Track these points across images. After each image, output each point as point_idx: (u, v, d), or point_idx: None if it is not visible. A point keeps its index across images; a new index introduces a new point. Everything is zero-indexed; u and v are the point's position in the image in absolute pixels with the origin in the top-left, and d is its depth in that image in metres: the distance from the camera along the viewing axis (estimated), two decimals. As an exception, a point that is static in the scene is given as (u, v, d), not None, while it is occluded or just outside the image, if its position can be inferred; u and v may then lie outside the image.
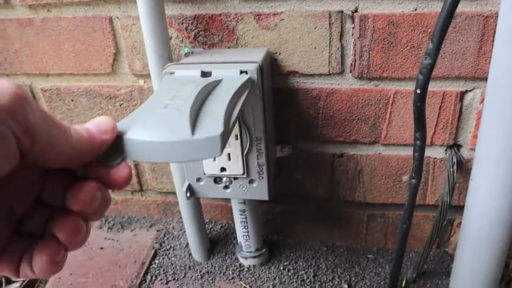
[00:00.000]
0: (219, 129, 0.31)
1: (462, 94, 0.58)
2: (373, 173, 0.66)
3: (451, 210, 0.67)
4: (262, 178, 0.57)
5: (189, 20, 0.60)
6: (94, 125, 0.26)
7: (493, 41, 0.54)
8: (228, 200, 0.73)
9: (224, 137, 0.31)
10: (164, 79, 0.49)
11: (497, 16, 0.53)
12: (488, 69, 0.55)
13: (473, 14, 0.53)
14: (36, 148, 0.22)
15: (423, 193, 0.66)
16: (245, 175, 0.56)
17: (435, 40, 0.44)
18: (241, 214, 0.66)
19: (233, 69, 0.49)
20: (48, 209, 0.26)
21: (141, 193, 0.76)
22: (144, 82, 0.66)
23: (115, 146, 0.28)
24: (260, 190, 0.58)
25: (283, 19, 0.57)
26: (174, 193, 0.74)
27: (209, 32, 0.60)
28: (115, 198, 0.77)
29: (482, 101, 0.58)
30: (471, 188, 0.56)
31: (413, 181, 0.54)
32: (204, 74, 0.48)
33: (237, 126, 0.53)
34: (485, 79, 0.56)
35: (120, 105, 0.68)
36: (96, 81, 0.67)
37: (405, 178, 0.66)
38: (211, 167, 0.56)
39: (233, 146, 0.54)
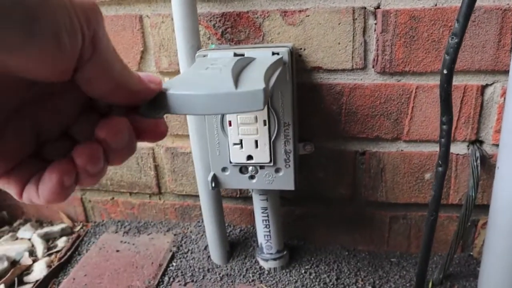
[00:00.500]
0: (261, 84, 0.31)
1: (483, 88, 0.60)
2: (395, 171, 0.66)
3: (475, 210, 0.67)
4: (289, 166, 0.57)
5: (217, 18, 0.62)
6: (144, 74, 0.27)
7: (511, 34, 0.56)
8: (248, 202, 0.72)
9: (266, 92, 0.31)
10: (198, 60, 0.51)
11: (514, 10, 0.55)
12: (508, 61, 0.57)
13: (491, 8, 0.56)
14: (92, 66, 0.22)
15: (446, 191, 0.66)
16: (271, 163, 0.56)
17: (461, 19, 0.46)
18: (263, 212, 0.65)
19: (265, 50, 0.51)
20: (72, 142, 0.26)
21: (159, 196, 0.75)
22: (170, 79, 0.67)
23: (157, 100, 0.28)
24: (286, 179, 0.57)
25: (308, 15, 0.60)
26: (193, 196, 0.74)
27: (236, 29, 0.62)
28: (131, 202, 0.76)
29: (503, 94, 0.59)
30: (497, 178, 0.56)
31: (440, 169, 0.54)
32: (236, 55, 0.50)
33: (265, 111, 0.54)
34: (505, 72, 0.58)
35: (144, 103, 0.69)
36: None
37: (427, 175, 0.65)
38: (237, 155, 0.57)
39: (261, 132, 0.55)
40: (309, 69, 0.62)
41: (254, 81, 0.34)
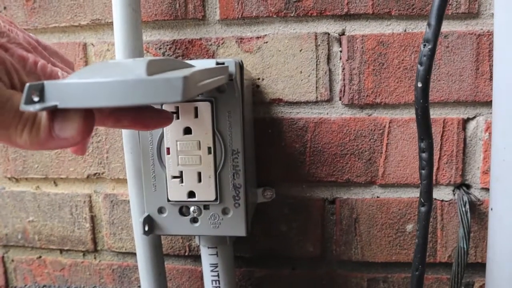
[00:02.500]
0: (182, 73, 0.25)
1: (465, 122, 0.52)
2: (371, 222, 0.56)
3: (468, 270, 0.56)
4: (239, 205, 0.46)
5: (167, 45, 0.56)
6: None
7: (489, 61, 0.51)
8: (199, 262, 0.60)
9: (189, 82, 0.25)
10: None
11: (489, 35, 0.50)
12: (489, 91, 0.51)
13: (465, 33, 0.51)
14: None
15: (433, 247, 0.55)
16: (218, 202, 0.46)
17: (433, 22, 0.40)
18: (212, 271, 0.53)
19: (208, 60, 0.44)
20: None
21: (94, 254, 0.63)
22: (112, 115, 0.59)
23: (40, 90, 0.24)
24: (236, 223, 0.47)
25: (266, 42, 0.54)
26: (134, 254, 0.62)
27: (188, 58, 0.56)
28: (61, 262, 0.64)
29: (487, 129, 0.52)
30: (492, 221, 0.46)
31: (423, 209, 0.45)
32: (176, 68, 0.43)
33: (210, 136, 0.45)
34: (487, 103, 0.51)
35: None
36: (58, 114, 0.60)
37: (409, 227, 0.55)
38: (177, 191, 0.47)
39: (205, 162, 0.46)
40: (268, 102, 0.55)
41: (178, 73, 0.27)
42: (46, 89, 0.24)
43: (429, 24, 0.40)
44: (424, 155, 0.44)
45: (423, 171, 0.45)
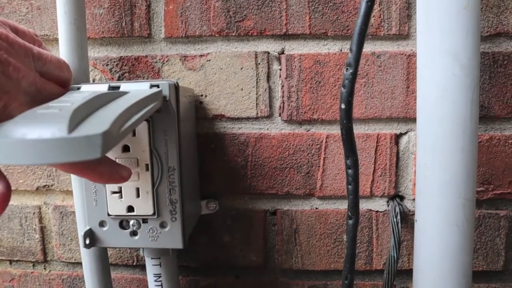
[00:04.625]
0: (102, 127, 0.26)
1: (397, 137, 0.55)
2: (310, 232, 0.58)
3: (402, 276, 0.59)
4: (175, 219, 0.48)
5: (114, 62, 0.57)
6: None
7: (419, 80, 0.54)
8: (146, 271, 0.62)
9: (108, 137, 0.26)
10: (65, 94, 0.45)
11: (419, 56, 0.53)
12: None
13: (396, 53, 0.54)
14: None
15: (369, 255, 0.58)
16: (155, 216, 0.48)
17: (354, 48, 0.43)
18: (156, 281, 0.55)
19: (144, 83, 0.45)
20: None
21: (44, 265, 0.64)
22: (61, 128, 0.60)
23: None
24: (173, 236, 0.49)
25: (209, 60, 0.56)
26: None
27: (134, 74, 0.58)
28: (11, 273, 0.65)
29: (417, 144, 0.55)
30: (417, 232, 0.49)
31: (350, 221, 0.48)
32: (112, 88, 0.44)
33: (147, 154, 0.47)
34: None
35: (32, 154, 0.61)
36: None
37: (345, 237, 0.58)
38: (117, 206, 0.48)
39: (143, 178, 0.47)
40: (211, 118, 0.57)
41: (101, 121, 0.28)
42: None
43: (350, 50, 0.43)
44: (350, 171, 0.47)
45: (349, 186, 0.47)
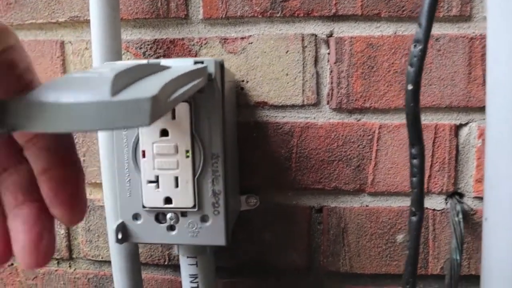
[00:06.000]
0: (150, 92, 0.22)
1: (457, 129, 0.50)
2: (360, 231, 0.53)
3: (461, 282, 0.53)
4: (218, 213, 0.44)
5: (148, 45, 0.54)
6: None
7: (482, 65, 0.49)
8: (178, 272, 0.58)
9: (157, 104, 0.22)
10: (102, 64, 0.41)
11: (482, 38, 0.48)
12: (482, 97, 0.49)
13: (456, 36, 0.49)
14: None
15: (424, 258, 0.53)
16: (196, 209, 0.44)
17: (423, 22, 0.38)
18: (192, 281, 0.51)
19: (186, 60, 0.41)
20: None
21: (69, 262, 0.60)
22: (91, 117, 0.56)
23: None
24: (215, 231, 0.44)
25: (251, 43, 0.52)
26: (111, 262, 0.59)
27: (170, 58, 0.54)
28: (34, 270, 0.61)
29: (480, 136, 0.50)
30: (486, 230, 0.44)
31: (414, 218, 0.43)
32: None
33: (188, 139, 0.43)
34: (480, 109, 0.49)
35: (59, 144, 0.57)
36: (34, 116, 0.58)
37: (400, 237, 0.53)
38: (153, 197, 0.44)
39: (182, 166, 0.43)
40: (253, 105, 0.53)
41: (147, 87, 0.24)
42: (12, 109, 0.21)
43: (419, 24, 0.38)
44: (415, 161, 0.42)
45: (414, 179, 0.42)
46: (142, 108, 0.20)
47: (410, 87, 0.39)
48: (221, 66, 0.42)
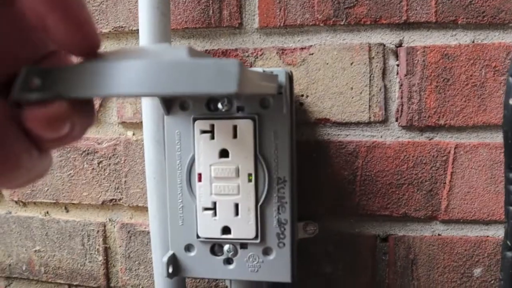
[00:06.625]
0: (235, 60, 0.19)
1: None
2: (431, 264, 0.48)
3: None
4: (283, 245, 0.39)
5: (197, 56, 0.49)
6: None
7: None
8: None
9: (244, 72, 0.18)
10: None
11: None
12: None
13: (548, 45, 0.43)
14: None
15: (507, 296, 0.47)
16: (258, 240, 0.39)
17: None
18: (246, 319, 0.45)
19: (255, 69, 0.37)
20: None
21: (107, 292, 0.55)
22: (133, 134, 0.52)
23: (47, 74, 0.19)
24: (279, 266, 0.39)
25: (312, 53, 0.47)
26: (152, 293, 0.54)
27: (220, 71, 0.49)
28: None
29: None
30: None
31: (509, 254, 0.37)
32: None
33: (251, 160, 0.38)
34: None
35: (99, 163, 0.53)
36: (73, 132, 0.54)
37: (477, 271, 0.47)
38: (209, 226, 0.39)
39: (244, 192, 0.38)
40: (313, 122, 0.48)
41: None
42: (49, 75, 0.19)
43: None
44: (512, 188, 0.36)
45: (510, 207, 0.37)
46: (230, 72, 0.17)
47: (511, 102, 0.34)
48: (290, 78, 0.38)
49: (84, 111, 0.20)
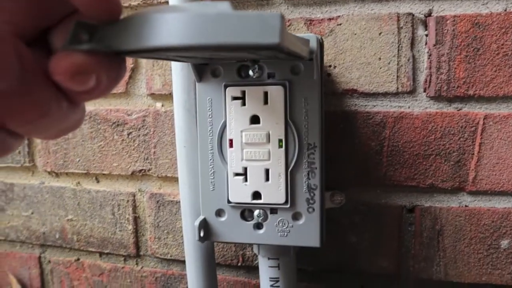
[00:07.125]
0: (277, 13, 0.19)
1: None
2: (458, 235, 0.48)
3: None
4: (313, 210, 0.40)
5: (225, 28, 0.50)
6: None
7: None
8: (254, 274, 0.54)
9: (285, 26, 0.19)
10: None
11: None
12: None
13: None
14: None
15: (535, 267, 0.47)
16: (288, 205, 0.40)
17: None
18: (272, 286, 0.46)
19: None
20: None
21: (136, 260, 0.57)
22: (162, 105, 0.53)
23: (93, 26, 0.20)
24: (308, 231, 0.40)
25: (340, 24, 0.47)
26: (180, 262, 0.55)
27: (248, 42, 0.50)
28: (101, 266, 0.58)
29: None
30: None
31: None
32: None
33: (282, 126, 0.38)
34: None
35: (128, 134, 0.54)
36: (104, 104, 0.55)
37: (505, 243, 0.47)
38: (240, 191, 0.40)
39: (275, 157, 0.39)
40: (341, 93, 0.48)
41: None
42: (97, 29, 0.19)
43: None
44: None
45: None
46: (273, 24, 0.18)
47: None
48: (321, 44, 0.38)
49: (113, 66, 0.20)
